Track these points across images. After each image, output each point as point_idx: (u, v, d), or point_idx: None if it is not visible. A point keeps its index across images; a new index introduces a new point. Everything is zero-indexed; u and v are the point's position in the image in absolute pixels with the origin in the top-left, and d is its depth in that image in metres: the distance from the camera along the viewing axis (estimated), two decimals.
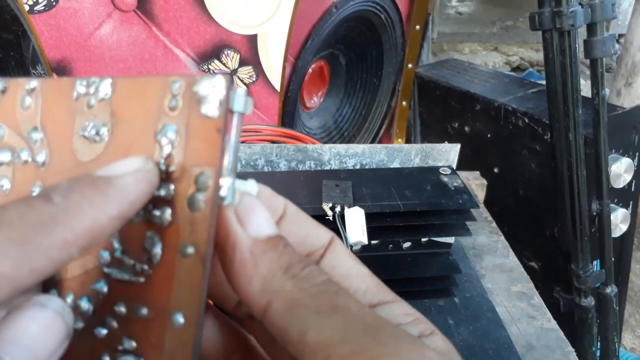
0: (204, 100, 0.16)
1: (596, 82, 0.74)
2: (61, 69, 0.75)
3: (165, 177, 0.17)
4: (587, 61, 0.75)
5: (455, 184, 0.52)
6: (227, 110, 0.16)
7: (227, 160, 0.17)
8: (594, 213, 0.82)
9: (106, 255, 0.18)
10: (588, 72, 0.76)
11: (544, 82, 0.81)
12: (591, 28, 0.73)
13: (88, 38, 0.73)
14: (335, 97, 1.08)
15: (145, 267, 0.17)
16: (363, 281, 0.19)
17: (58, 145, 0.19)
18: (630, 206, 0.92)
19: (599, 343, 0.89)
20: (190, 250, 0.16)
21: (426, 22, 1.13)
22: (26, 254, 0.14)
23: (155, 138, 0.17)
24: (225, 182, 0.17)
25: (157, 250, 0.17)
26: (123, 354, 0.17)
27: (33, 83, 0.20)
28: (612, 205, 0.86)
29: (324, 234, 0.20)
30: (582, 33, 0.73)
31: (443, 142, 0.59)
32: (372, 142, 1.11)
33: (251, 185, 0.18)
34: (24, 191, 0.19)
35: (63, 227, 0.14)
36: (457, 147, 0.58)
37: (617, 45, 0.76)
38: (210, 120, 0.16)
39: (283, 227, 0.20)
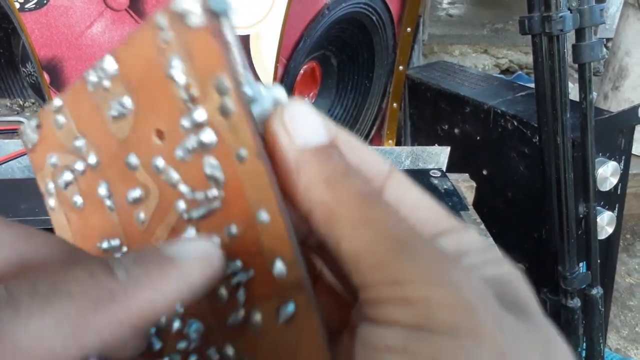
0: (187, 13, 0.16)
1: (584, 87, 0.75)
2: (52, 68, 0.74)
3: (194, 103, 0.17)
4: (576, 65, 0.76)
5: (445, 187, 0.53)
6: (210, 12, 0.16)
7: (233, 58, 0.17)
8: (581, 215, 0.83)
9: (181, 204, 0.18)
10: (576, 76, 0.77)
11: (532, 85, 0.82)
12: (579, 33, 0.74)
13: (79, 37, 0.73)
14: (326, 98, 1.08)
15: (215, 191, 0.17)
16: (432, 211, 0.18)
17: (98, 139, 0.20)
18: (616, 209, 0.94)
19: (584, 344, 0.90)
20: (243, 152, 0.17)
21: (417, 24, 1.13)
22: (79, 333, 0.13)
23: (167, 77, 0.17)
24: (244, 78, 0.17)
25: (217, 171, 0.17)
26: (235, 276, 0.18)
27: (57, 102, 0.21)
28: (598, 208, 0.87)
29: (382, 162, 0.19)
30: (570, 37, 0.74)
31: (433, 143, 0.60)
32: None
33: (279, 92, 0.18)
34: (93, 196, 0.20)
35: (120, 307, 0.14)
36: (447, 149, 0.59)
37: (604, 50, 0.77)
38: (200, 28, 0.16)
39: None
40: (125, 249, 0.20)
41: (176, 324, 0.19)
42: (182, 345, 0.19)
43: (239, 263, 0.17)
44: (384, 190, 0.19)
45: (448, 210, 0.19)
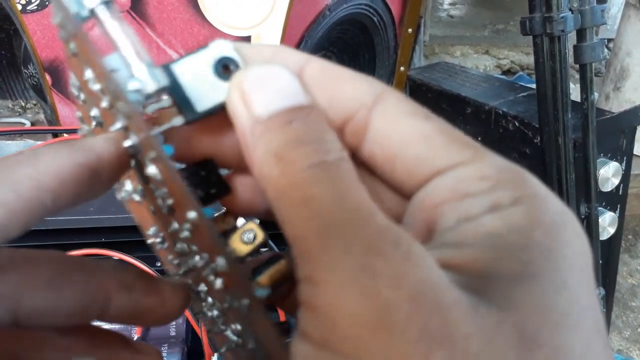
0: (63, 24, 0.16)
1: (585, 87, 0.75)
2: (54, 69, 0.74)
3: (114, 109, 0.17)
4: (577, 65, 0.76)
5: None
6: (71, 17, 0.15)
7: (116, 56, 0.16)
8: (583, 216, 0.83)
9: (159, 200, 0.18)
10: (577, 76, 0.77)
11: (534, 86, 0.82)
12: (581, 33, 0.74)
13: None
14: None
15: (165, 189, 0.17)
16: (427, 143, 0.15)
17: None
18: (618, 209, 0.94)
19: None
20: (153, 154, 0.16)
21: (418, 25, 1.13)
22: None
23: (90, 88, 0.17)
24: (138, 73, 0.16)
25: (155, 171, 0.16)
26: (207, 267, 0.17)
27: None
28: (600, 208, 0.87)
29: (366, 91, 0.16)
30: (571, 38, 0.74)
31: None
32: None
33: (223, 48, 0.16)
34: (126, 190, 0.21)
35: (27, 165, 0.15)
36: None
37: (605, 50, 0.77)
38: (77, 33, 0.15)
39: None
40: (161, 233, 0.21)
41: (209, 300, 0.20)
42: (218, 319, 0.20)
43: (206, 255, 0.17)
44: (369, 125, 0.16)
45: (455, 137, 0.15)
